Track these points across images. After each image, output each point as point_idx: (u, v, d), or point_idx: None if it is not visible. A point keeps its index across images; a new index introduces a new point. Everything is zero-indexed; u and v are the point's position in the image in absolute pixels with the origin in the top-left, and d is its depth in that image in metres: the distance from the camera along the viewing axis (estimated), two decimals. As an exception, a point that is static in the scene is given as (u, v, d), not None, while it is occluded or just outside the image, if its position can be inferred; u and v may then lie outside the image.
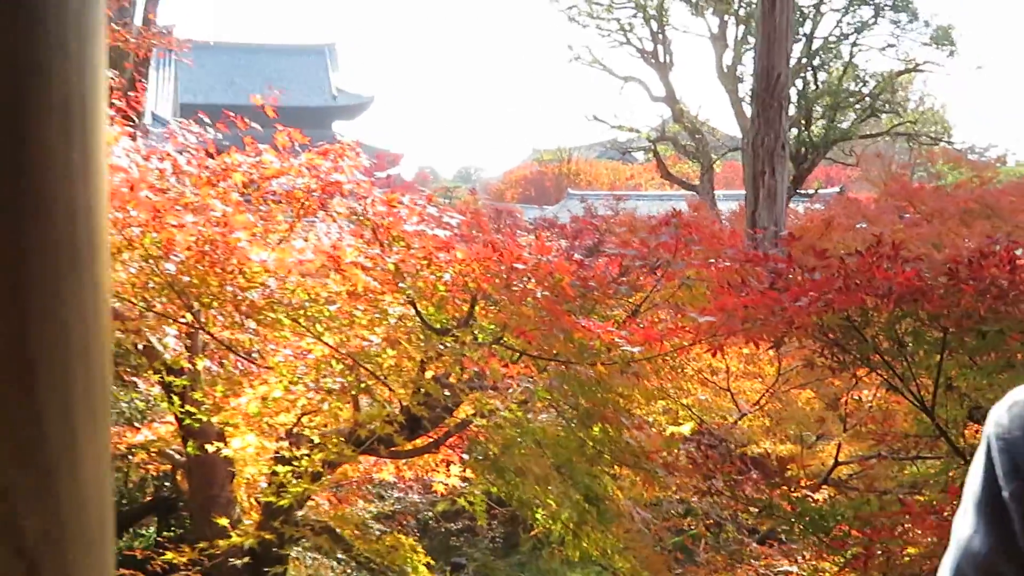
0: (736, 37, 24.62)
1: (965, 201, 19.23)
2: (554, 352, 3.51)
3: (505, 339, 3.90)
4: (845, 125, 24.69)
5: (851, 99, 24.56)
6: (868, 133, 26.84)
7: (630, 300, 5.01)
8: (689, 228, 4.77)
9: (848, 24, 24.45)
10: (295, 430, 3.94)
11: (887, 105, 25.93)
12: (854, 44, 24.52)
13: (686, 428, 8.81)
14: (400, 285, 3.65)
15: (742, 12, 23.98)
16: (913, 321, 3.82)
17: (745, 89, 23.49)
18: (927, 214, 19.15)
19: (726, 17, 24.65)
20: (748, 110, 13.25)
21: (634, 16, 26.39)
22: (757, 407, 7.76)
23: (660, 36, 26.31)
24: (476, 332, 3.86)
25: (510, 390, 3.60)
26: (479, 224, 4.81)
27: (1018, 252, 3.71)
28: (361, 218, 4.00)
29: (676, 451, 4.20)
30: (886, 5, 24.20)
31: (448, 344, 3.63)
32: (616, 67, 50.25)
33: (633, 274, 4.86)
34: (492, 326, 3.93)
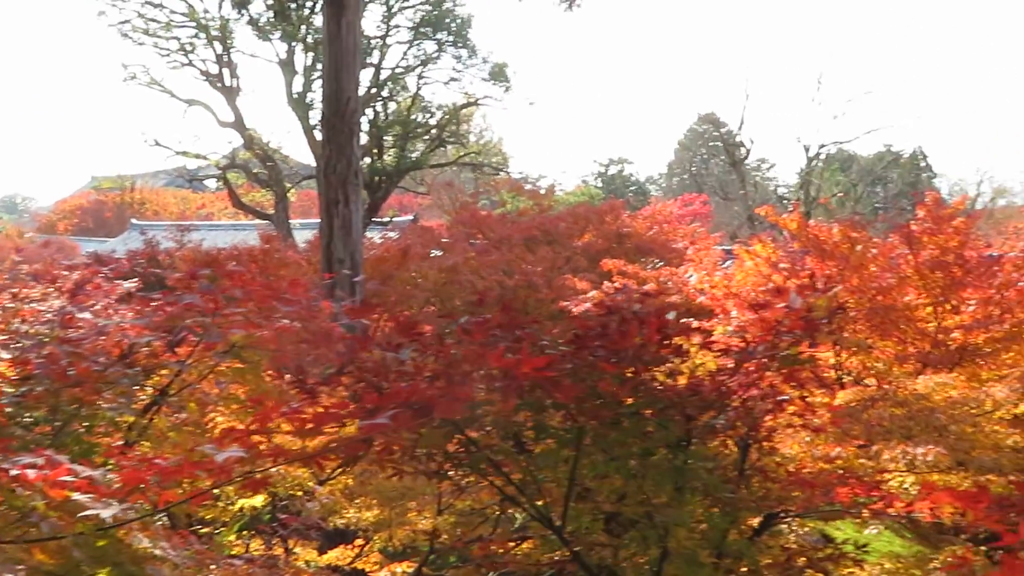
0: (306, 64, 23.96)
1: (528, 229, 20.37)
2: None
3: None
4: (415, 155, 25.21)
5: (420, 130, 25.12)
6: (437, 163, 27.71)
7: (149, 385, 3.74)
8: (232, 278, 3.68)
9: (414, 57, 25.00)
10: None
11: (453, 136, 27.00)
12: (420, 76, 25.17)
13: (258, 500, 7.70)
14: None
15: (310, 39, 23.36)
16: (534, 412, 3.10)
17: (317, 116, 22.89)
18: (495, 241, 19.98)
19: (294, 43, 23.88)
20: (320, 137, 12.63)
21: (196, 36, 24.65)
22: (340, 471, 6.93)
23: (225, 59, 24.84)
24: None
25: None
26: None
27: (669, 315, 3.13)
28: None
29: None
30: (447, 41, 25.06)
31: None
32: (179, 89, 47.51)
33: (159, 346, 3.61)
34: None
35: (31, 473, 2.10)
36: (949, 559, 3.89)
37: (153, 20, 24.37)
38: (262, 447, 2.38)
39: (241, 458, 2.30)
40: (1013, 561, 2.13)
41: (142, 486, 2.26)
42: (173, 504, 2.38)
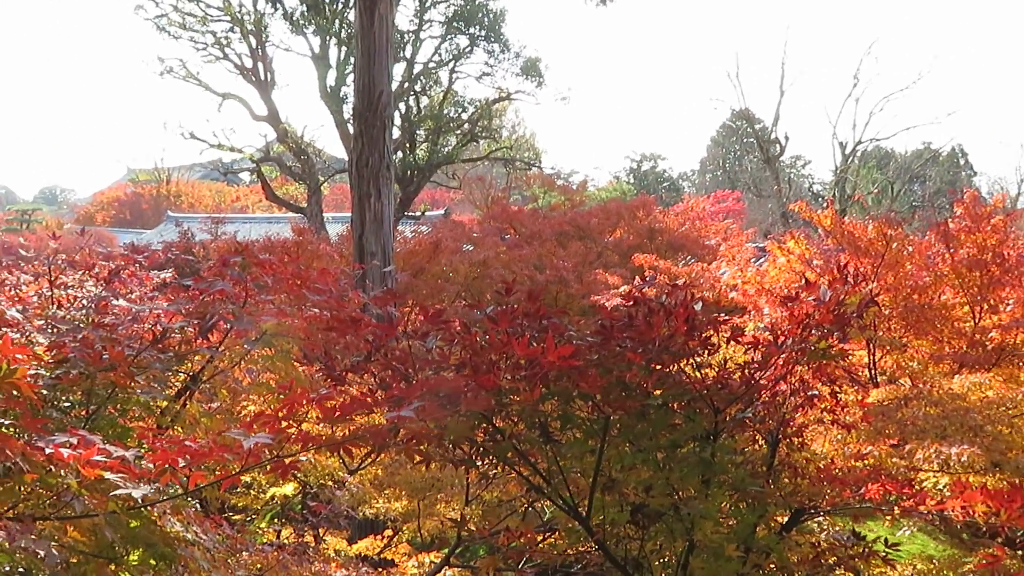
0: (339, 58, 24.10)
1: (560, 224, 20.36)
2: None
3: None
4: (447, 149, 25.20)
5: (452, 124, 25.12)
6: (469, 157, 27.74)
7: (182, 371, 3.77)
8: (263, 266, 3.71)
9: (447, 51, 25.02)
10: None
11: (485, 131, 26.94)
12: (453, 71, 25.17)
13: (289, 488, 7.76)
14: None
15: (343, 33, 23.48)
16: (560, 402, 3.07)
17: (350, 110, 23.02)
18: (527, 236, 20.01)
19: (327, 37, 24.02)
20: (353, 131, 12.70)
21: (231, 31, 24.89)
22: (369, 460, 6.97)
23: (260, 53, 25.07)
24: None
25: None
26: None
27: (697, 307, 3.10)
28: None
29: None
30: (480, 36, 25.04)
31: None
32: (214, 83, 47.96)
33: (191, 333, 3.65)
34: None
35: (65, 452, 2.13)
36: (982, 559, 3.83)
37: (189, 14, 24.64)
38: (290, 433, 2.39)
39: (269, 444, 2.31)
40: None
41: (172, 468, 2.28)
42: (203, 485, 2.40)
